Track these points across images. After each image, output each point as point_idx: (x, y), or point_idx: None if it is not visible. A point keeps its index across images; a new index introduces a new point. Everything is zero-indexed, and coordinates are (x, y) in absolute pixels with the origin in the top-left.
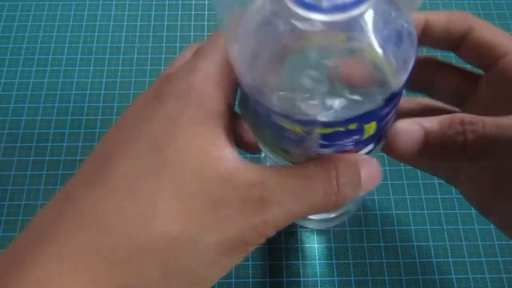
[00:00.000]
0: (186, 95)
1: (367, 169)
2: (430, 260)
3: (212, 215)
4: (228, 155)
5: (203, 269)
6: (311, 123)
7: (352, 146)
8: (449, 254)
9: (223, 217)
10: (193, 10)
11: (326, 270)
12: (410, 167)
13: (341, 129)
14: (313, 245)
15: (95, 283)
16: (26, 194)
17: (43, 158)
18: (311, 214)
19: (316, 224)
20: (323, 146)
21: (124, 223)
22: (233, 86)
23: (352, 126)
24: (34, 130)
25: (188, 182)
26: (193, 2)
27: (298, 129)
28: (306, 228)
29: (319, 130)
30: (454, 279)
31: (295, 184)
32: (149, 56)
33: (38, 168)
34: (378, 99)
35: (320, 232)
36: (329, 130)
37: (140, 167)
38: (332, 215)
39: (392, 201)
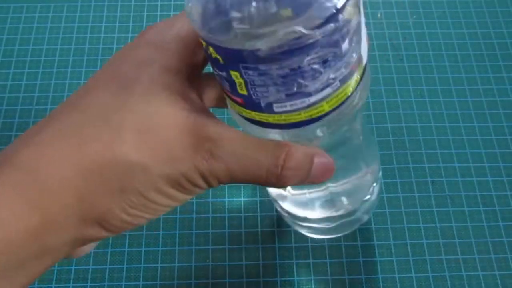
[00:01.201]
0: (158, 47)
1: (320, 162)
2: (424, 257)
3: (166, 152)
4: (193, 106)
5: (152, 193)
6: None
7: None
8: (442, 252)
9: (174, 156)
10: None
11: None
12: (403, 165)
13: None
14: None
15: (67, 182)
16: None
17: None
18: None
19: (313, 232)
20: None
21: (96, 144)
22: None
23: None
24: None
25: (151, 121)
26: None
27: None
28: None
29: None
30: (447, 277)
31: (244, 154)
32: None
33: None
34: None
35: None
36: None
37: (113, 102)
38: (339, 214)
39: (385, 199)
